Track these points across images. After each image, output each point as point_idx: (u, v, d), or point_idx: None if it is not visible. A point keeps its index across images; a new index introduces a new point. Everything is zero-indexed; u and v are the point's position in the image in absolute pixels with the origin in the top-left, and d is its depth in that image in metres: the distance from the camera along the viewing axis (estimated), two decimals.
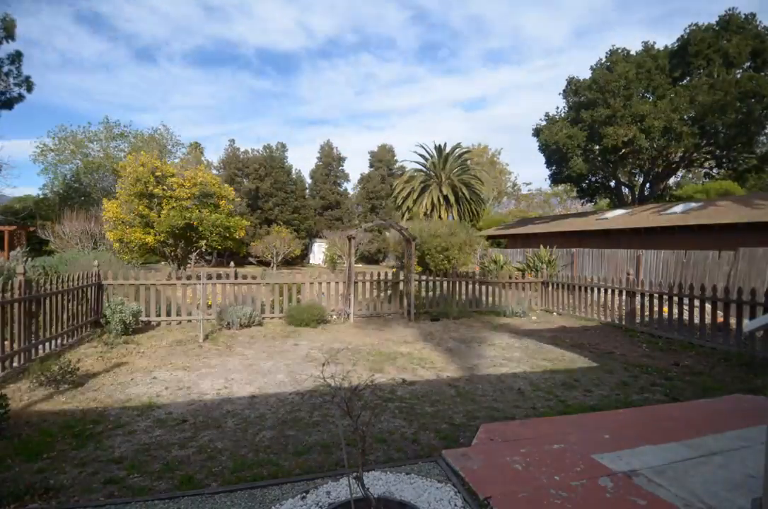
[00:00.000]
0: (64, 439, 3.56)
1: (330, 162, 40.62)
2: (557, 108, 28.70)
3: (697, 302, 7.32)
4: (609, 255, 14.94)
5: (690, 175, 35.54)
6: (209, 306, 8.86)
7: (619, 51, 25.13)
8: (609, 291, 9.06)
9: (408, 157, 42.03)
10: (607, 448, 3.41)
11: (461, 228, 20.16)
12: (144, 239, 14.82)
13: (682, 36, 24.16)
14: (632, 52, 24.92)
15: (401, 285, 10.03)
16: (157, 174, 15.23)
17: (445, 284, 10.59)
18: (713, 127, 21.39)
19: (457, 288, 10.61)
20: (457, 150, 31.84)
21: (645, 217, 16.06)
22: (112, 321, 7.37)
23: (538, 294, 11.02)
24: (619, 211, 19.02)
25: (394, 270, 10.64)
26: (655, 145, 22.59)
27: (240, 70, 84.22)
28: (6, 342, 5.19)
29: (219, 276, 9.18)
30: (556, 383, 5.18)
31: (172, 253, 16.35)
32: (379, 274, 10.25)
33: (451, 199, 29.17)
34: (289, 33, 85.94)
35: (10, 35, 14.42)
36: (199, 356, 6.24)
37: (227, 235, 16.14)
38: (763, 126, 22.02)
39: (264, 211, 34.82)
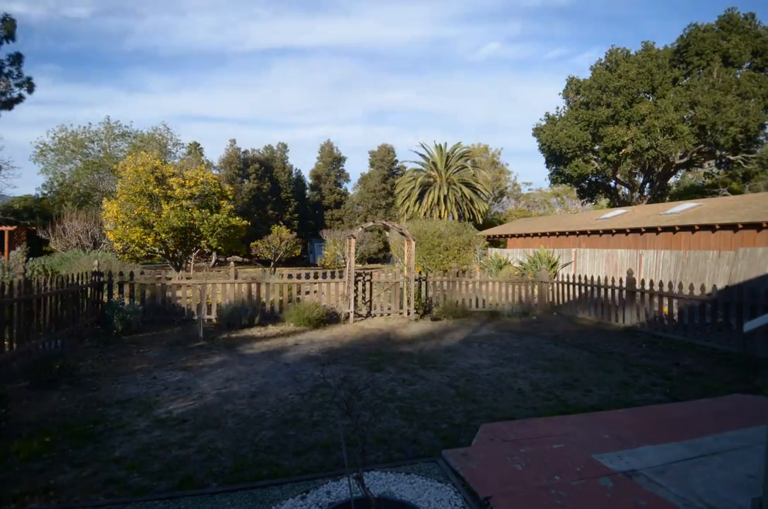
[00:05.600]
0: (64, 439, 3.56)
1: (330, 162, 40.62)
2: (557, 108, 28.70)
3: (697, 302, 7.32)
4: (609, 255, 14.94)
5: (690, 175, 35.54)
6: (210, 306, 8.86)
7: (619, 51, 25.12)
8: (609, 291, 9.06)
9: (408, 157, 42.02)
10: (607, 448, 3.41)
11: (462, 228, 20.17)
12: (144, 239, 14.82)
13: (681, 36, 24.17)
14: (632, 52, 24.91)
15: (401, 285, 10.03)
16: (157, 174, 15.23)
17: (445, 284, 10.59)
18: (713, 127, 21.37)
19: (458, 288, 10.61)
20: (457, 150, 31.83)
21: (645, 217, 16.05)
22: (112, 321, 7.38)
23: (539, 294, 11.02)
24: (619, 211, 19.02)
25: (395, 270, 10.65)
26: (655, 145, 22.58)
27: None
28: (6, 342, 5.19)
29: (219, 277, 9.18)
30: (556, 383, 5.18)
31: (172, 253, 16.35)
32: (379, 274, 10.25)
33: (451, 198, 29.17)
34: None
35: (10, 35, 14.41)
36: (199, 356, 6.24)
37: (227, 235, 16.14)
38: (763, 126, 22.00)
39: (264, 210, 34.82)
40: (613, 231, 15.79)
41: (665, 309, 7.88)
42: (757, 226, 11.56)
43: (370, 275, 10.16)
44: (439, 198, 29.09)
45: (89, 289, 7.75)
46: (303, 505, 2.63)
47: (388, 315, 9.95)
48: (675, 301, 7.72)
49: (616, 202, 29.46)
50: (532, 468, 3.09)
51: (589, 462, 3.17)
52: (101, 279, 8.20)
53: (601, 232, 16.21)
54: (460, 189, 29.54)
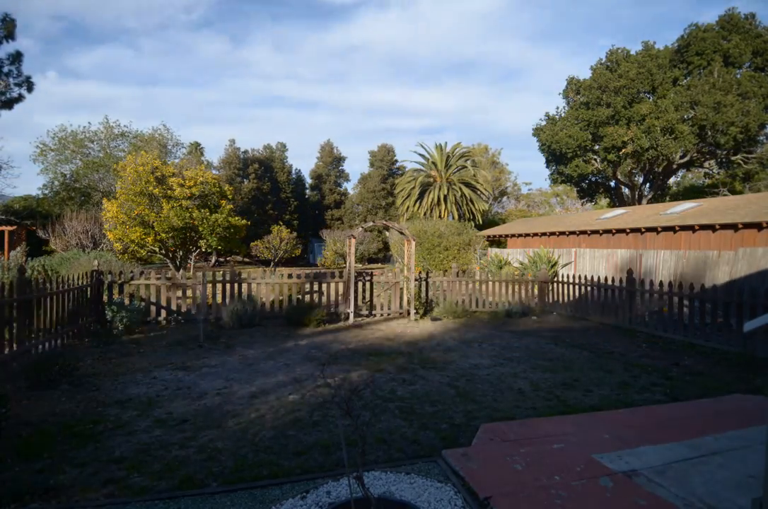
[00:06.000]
0: (64, 439, 3.56)
1: (330, 162, 40.63)
2: (557, 108, 28.71)
3: (697, 302, 7.32)
4: (609, 255, 14.94)
5: (690, 175, 35.54)
6: (210, 306, 8.86)
7: (619, 51, 25.11)
8: (609, 291, 9.06)
9: (409, 157, 42.11)
10: (607, 448, 3.41)
11: (462, 227, 20.18)
12: (144, 239, 14.82)
13: (682, 36, 24.16)
14: (632, 52, 24.90)
15: (401, 285, 10.03)
16: (157, 174, 15.23)
17: (445, 284, 10.59)
18: (714, 126, 21.36)
19: (458, 288, 10.60)
20: (457, 149, 31.84)
21: (645, 217, 16.05)
22: (112, 321, 7.38)
23: (539, 294, 11.01)
24: (619, 211, 19.03)
25: (395, 270, 10.65)
26: (655, 145, 22.57)
27: None
28: (6, 342, 5.19)
29: (219, 276, 9.17)
30: (556, 383, 5.18)
31: (172, 253, 16.35)
32: (379, 274, 10.24)
33: (451, 198, 29.18)
34: None
35: (10, 35, 14.39)
36: (199, 356, 6.24)
37: (227, 234, 16.14)
38: (764, 126, 21.99)
39: (264, 210, 34.82)
40: (613, 231, 15.79)
41: (665, 309, 7.88)
42: (757, 226, 11.57)
43: (370, 275, 10.15)
44: (439, 198, 29.09)
45: (89, 289, 7.75)
46: (303, 505, 2.63)
47: (388, 315, 9.95)
48: (675, 301, 7.71)
49: (616, 201, 29.46)
50: (532, 468, 3.09)
51: (589, 462, 3.17)
52: (101, 279, 8.20)
53: (601, 231, 16.22)
54: (460, 189, 29.54)
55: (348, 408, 2.33)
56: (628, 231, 15.29)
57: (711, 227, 12.69)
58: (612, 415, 4.14)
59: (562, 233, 18.07)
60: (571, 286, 10.12)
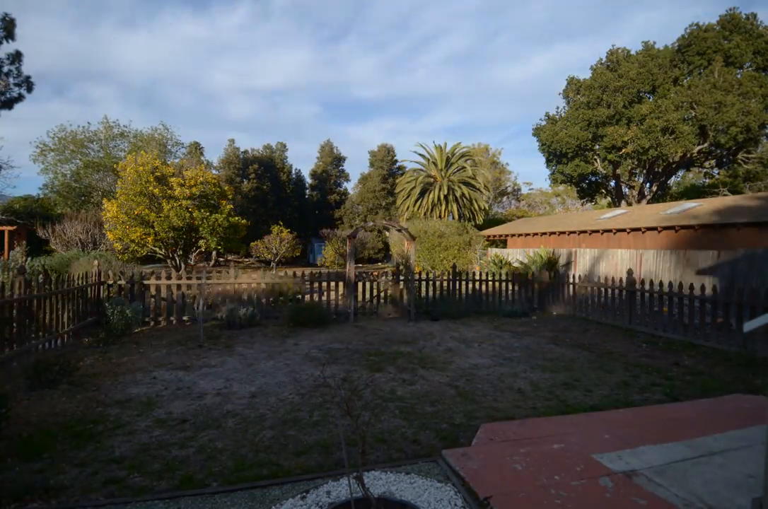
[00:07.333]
0: (64, 439, 3.56)
1: (330, 161, 40.64)
2: (557, 108, 28.68)
3: (697, 302, 7.32)
4: (609, 255, 14.93)
5: (690, 175, 35.53)
6: (209, 306, 8.86)
7: (620, 51, 25.10)
8: (609, 290, 9.06)
9: (409, 157, 42.17)
10: (607, 448, 3.41)
11: (462, 228, 20.20)
12: (144, 239, 14.83)
13: (682, 35, 24.15)
14: (632, 52, 24.89)
15: (401, 285, 10.03)
16: (157, 174, 15.23)
17: (445, 284, 10.59)
18: (714, 126, 21.36)
19: (457, 288, 10.60)
20: (457, 149, 31.82)
21: (645, 216, 16.04)
22: (112, 321, 7.37)
23: (538, 294, 11.01)
24: (619, 211, 19.03)
25: (394, 270, 10.65)
26: (655, 145, 22.56)
27: None
28: (6, 342, 5.19)
29: (219, 277, 9.17)
30: (556, 383, 5.18)
31: (172, 253, 16.35)
32: (379, 274, 10.24)
33: (451, 198, 29.17)
34: None
35: (10, 35, 14.39)
36: (199, 356, 6.24)
37: (227, 234, 16.15)
38: (764, 126, 21.98)
39: (264, 210, 34.84)
40: (614, 230, 15.79)
41: (665, 309, 7.88)
42: (757, 226, 11.57)
43: (370, 275, 10.15)
44: (439, 198, 29.08)
45: (89, 289, 7.75)
46: (303, 505, 2.63)
47: (388, 315, 9.94)
48: (675, 301, 7.71)
49: (617, 202, 29.45)
50: (532, 468, 3.09)
51: (589, 462, 3.17)
52: (101, 279, 8.20)
53: (601, 231, 16.22)
54: (460, 188, 29.53)
55: (348, 408, 2.33)
56: (628, 231, 15.29)
57: (711, 227, 12.69)
58: (612, 415, 4.14)
59: (562, 233, 18.07)
60: (571, 286, 10.12)
